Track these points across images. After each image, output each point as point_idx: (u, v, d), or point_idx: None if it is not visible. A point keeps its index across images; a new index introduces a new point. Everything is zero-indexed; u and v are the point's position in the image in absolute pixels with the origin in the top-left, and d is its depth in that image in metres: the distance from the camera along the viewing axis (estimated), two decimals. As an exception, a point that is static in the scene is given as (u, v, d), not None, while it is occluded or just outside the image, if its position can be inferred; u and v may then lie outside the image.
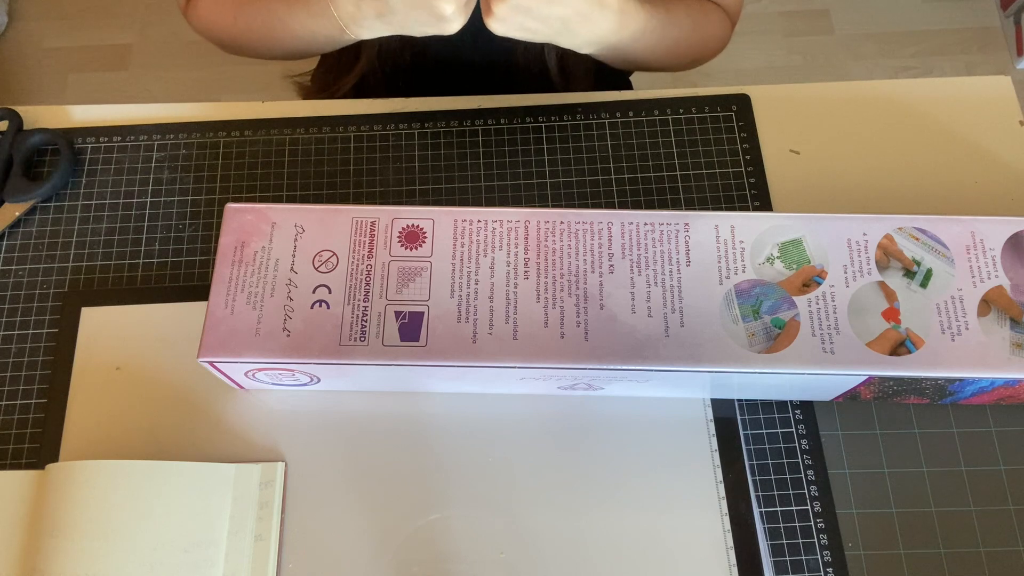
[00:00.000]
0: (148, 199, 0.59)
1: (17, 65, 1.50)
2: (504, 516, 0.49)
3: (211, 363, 0.46)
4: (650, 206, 0.58)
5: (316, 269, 0.47)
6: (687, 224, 0.48)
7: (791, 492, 0.50)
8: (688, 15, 0.61)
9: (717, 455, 0.51)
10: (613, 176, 0.59)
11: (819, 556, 0.48)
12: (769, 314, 0.46)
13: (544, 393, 0.52)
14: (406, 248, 0.48)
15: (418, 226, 0.48)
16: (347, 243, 0.48)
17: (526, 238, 0.48)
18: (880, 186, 0.58)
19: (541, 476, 0.50)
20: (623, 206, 0.58)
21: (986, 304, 0.46)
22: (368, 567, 0.48)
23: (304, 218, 0.49)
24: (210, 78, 1.48)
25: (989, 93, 0.61)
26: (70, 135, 0.60)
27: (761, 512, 0.49)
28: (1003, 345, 0.45)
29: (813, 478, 0.50)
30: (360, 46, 0.66)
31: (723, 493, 0.50)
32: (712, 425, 0.51)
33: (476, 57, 0.68)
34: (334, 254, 0.48)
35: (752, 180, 0.59)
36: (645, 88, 0.63)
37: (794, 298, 0.46)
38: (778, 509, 0.49)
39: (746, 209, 0.58)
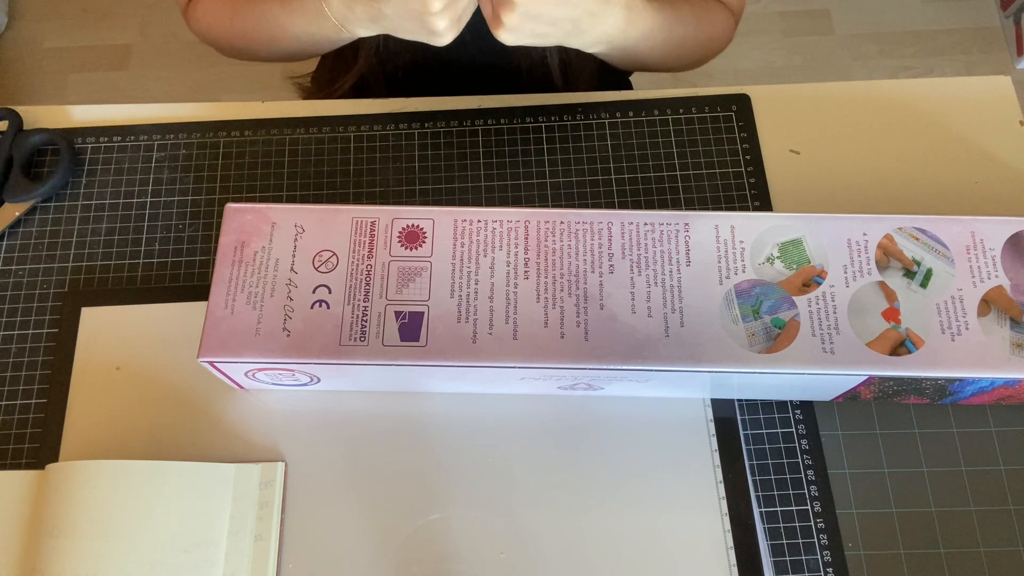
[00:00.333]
0: (148, 199, 0.59)
1: (17, 65, 1.50)
2: (504, 516, 0.49)
3: (211, 363, 0.46)
4: (650, 206, 0.58)
5: (316, 269, 0.47)
6: (687, 224, 0.48)
7: (791, 492, 0.50)
8: (693, 13, 0.61)
9: (717, 455, 0.51)
10: (613, 176, 0.59)
11: (819, 556, 0.48)
12: (769, 314, 0.46)
13: (544, 393, 0.52)
14: (406, 248, 0.48)
15: (418, 226, 0.48)
16: (347, 243, 0.48)
17: (526, 238, 0.48)
18: (880, 186, 0.58)
19: (541, 476, 0.50)
20: (623, 206, 0.58)
21: (986, 304, 0.46)
22: (368, 567, 0.48)
23: (304, 218, 0.49)
24: (210, 78, 1.48)
25: (989, 93, 0.61)
26: (70, 135, 0.60)
27: (761, 512, 0.49)
28: (1003, 345, 0.45)
29: (813, 478, 0.50)
30: (359, 47, 0.66)
31: (723, 493, 0.50)
32: (712, 425, 0.51)
33: (477, 57, 0.68)
34: (334, 254, 0.48)
35: (752, 180, 0.59)
36: (645, 88, 0.63)
37: (794, 298, 0.46)
38: (778, 509, 0.49)
39: (746, 209, 0.58)
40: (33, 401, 0.53)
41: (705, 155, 0.59)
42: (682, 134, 0.60)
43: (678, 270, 0.47)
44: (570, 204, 0.58)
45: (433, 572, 0.48)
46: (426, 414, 0.52)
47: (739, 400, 0.52)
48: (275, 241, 0.48)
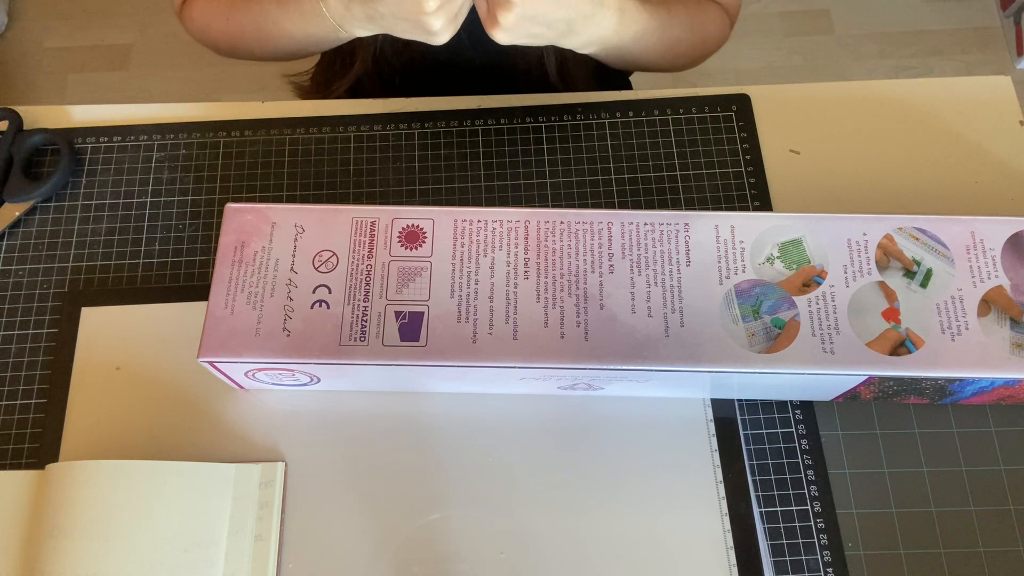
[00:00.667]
0: (148, 199, 0.59)
1: (17, 65, 1.50)
2: (504, 516, 0.49)
3: (211, 363, 0.46)
4: (650, 206, 0.58)
5: (316, 269, 0.47)
6: (687, 224, 0.48)
7: (791, 492, 0.50)
8: (687, 14, 0.61)
9: (717, 455, 0.51)
10: (613, 176, 0.59)
11: (819, 556, 0.48)
12: (769, 314, 0.46)
13: (544, 393, 0.52)
14: (406, 248, 0.48)
15: (418, 226, 0.48)
16: (347, 243, 0.48)
17: (526, 238, 0.48)
18: (880, 186, 0.58)
19: (541, 476, 0.50)
20: (623, 206, 0.58)
21: (986, 304, 0.46)
22: (368, 567, 0.48)
23: (304, 218, 0.49)
24: (210, 78, 1.48)
25: (989, 93, 0.61)
26: (70, 135, 0.60)
27: (761, 512, 0.49)
28: (1003, 345, 0.45)
29: (813, 478, 0.50)
30: (356, 48, 0.66)
31: (723, 493, 0.50)
32: (712, 425, 0.51)
33: (474, 58, 0.68)
34: (334, 254, 0.48)
35: (752, 180, 0.59)
36: (645, 88, 0.63)
37: (794, 298, 0.46)
38: (778, 509, 0.49)
39: (746, 209, 0.58)
40: (33, 401, 0.53)
41: (705, 155, 0.59)
42: (682, 134, 0.60)
43: (678, 270, 0.47)
44: (570, 204, 0.58)
45: (433, 572, 0.48)
46: (426, 414, 0.52)
47: (739, 400, 0.52)
48: (275, 241, 0.48)
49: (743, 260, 0.47)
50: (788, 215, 0.48)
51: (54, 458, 0.51)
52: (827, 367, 0.45)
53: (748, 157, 0.59)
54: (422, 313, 0.46)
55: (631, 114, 0.61)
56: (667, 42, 0.59)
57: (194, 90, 1.46)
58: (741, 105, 0.61)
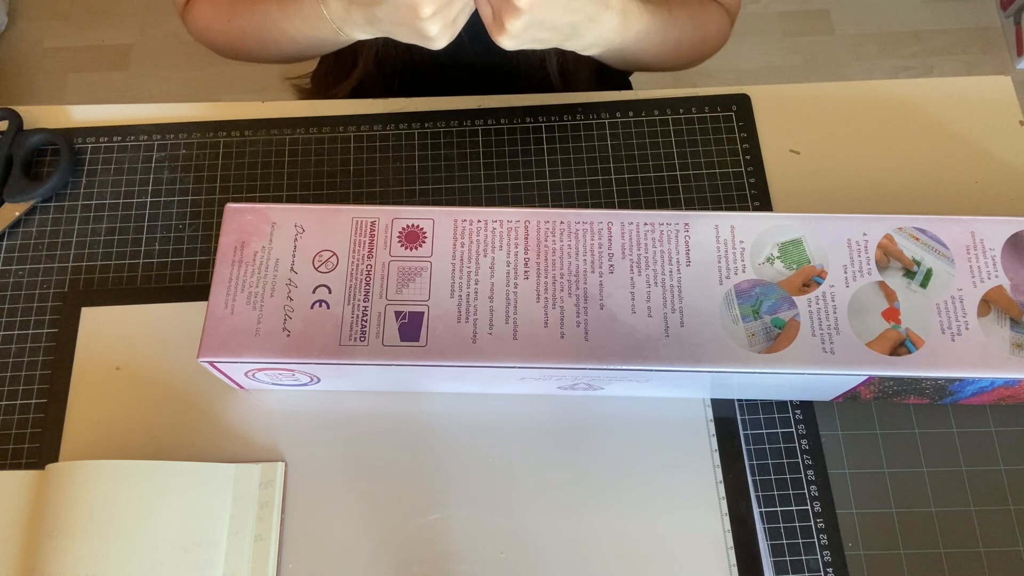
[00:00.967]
0: (148, 199, 0.59)
1: (17, 65, 1.50)
2: (504, 516, 0.49)
3: (211, 363, 0.46)
4: (650, 206, 0.58)
5: (316, 269, 0.47)
6: (687, 224, 0.48)
7: (791, 492, 0.50)
8: (689, 14, 0.61)
9: (717, 455, 0.51)
10: (613, 176, 0.59)
11: (819, 556, 0.48)
12: (769, 314, 0.46)
13: (544, 393, 0.52)
14: (406, 248, 0.48)
15: (418, 226, 0.48)
16: (347, 243, 0.48)
17: (526, 238, 0.48)
18: (880, 186, 0.58)
19: (541, 476, 0.50)
20: (623, 206, 0.58)
21: (986, 304, 0.46)
22: (368, 567, 0.48)
23: (304, 218, 0.49)
24: (210, 78, 1.48)
25: (989, 93, 0.61)
26: (70, 135, 0.60)
27: (761, 512, 0.49)
28: (1003, 345, 0.45)
29: (813, 478, 0.50)
30: (358, 51, 0.66)
31: (723, 493, 0.50)
32: (712, 425, 0.51)
33: (475, 59, 0.68)
34: (334, 254, 0.48)
35: (752, 180, 0.59)
36: (645, 88, 0.63)
37: (794, 298, 0.46)
38: (778, 509, 0.49)
39: (746, 209, 0.58)
40: (33, 401, 0.53)
41: (705, 155, 0.59)
42: (682, 134, 0.60)
43: (678, 270, 0.47)
44: (570, 204, 0.58)
45: (433, 572, 0.48)
46: (426, 414, 0.52)
47: (739, 400, 0.52)
48: (275, 241, 0.48)
49: (743, 260, 0.47)
50: (788, 215, 0.48)
51: (54, 458, 0.51)
52: (827, 367, 0.45)
53: (748, 157, 0.59)
54: (422, 313, 0.46)
55: (631, 114, 0.61)
56: (669, 42, 0.60)
57: (194, 90, 1.46)
58: (741, 105, 0.61)
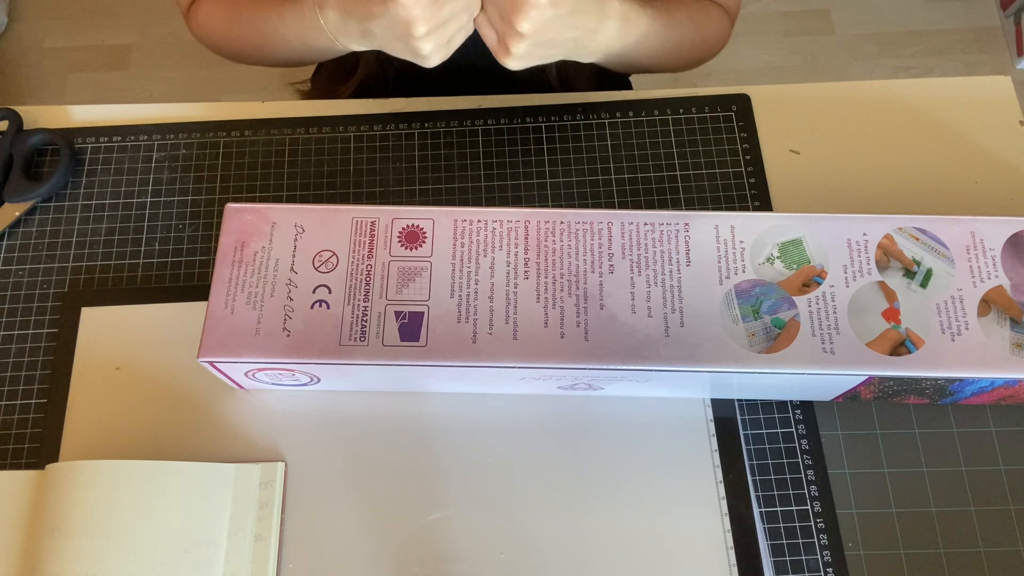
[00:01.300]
0: (148, 199, 0.59)
1: (17, 65, 1.50)
2: (504, 516, 0.49)
3: (211, 363, 0.46)
4: (650, 206, 0.58)
5: (316, 269, 0.47)
6: (687, 224, 0.48)
7: (791, 492, 0.50)
8: (688, 16, 0.61)
9: (717, 455, 0.51)
10: (613, 176, 0.59)
11: (819, 556, 0.48)
12: (769, 314, 0.46)
13: (544, 393, 0.52)
14: (406, 248, 0.48)
15: (418, 226, 0.48)
16: (347, 243, 0.48)
17: (526, 238, 0.48)
18: (880, 186, 0.58)
19: (541, 476, 0.50)
20: (623, 206, 0.58)
21: (986, 304, 0.46)
22: (368, 567, 0.48)
23: (304, 218, 0.49)
24: (210, 78, 1.48)
25: (989, 93, 0.61)
26: (70, 135, 0.60)
27: (761, 512, 0.49)
28: (1003, 345, 0.45)
29: (813, 478, 0.50)
30: (359, 56, 0.66)
31: (723, 493, 0.50)
32: (712, 425, 0.51)
33: (477, 62, 0.69)
34: (334, 254, 0.48)
35: (752, 180, 0.59)
36: (645, 88, 0.63)
37: (794, 298, 0.46)
38: (778, 509, 0.49)
39: (746, 209, 0.58)
40: (33, 401, 0.53)
41: (705, 155, 0.59)
42: (682, 134, 0.60)
43: (678, 270, 0.47)
44: (570, 204, 0.58)
45: (433, 572, 0.48)
46: (426, 414, 0.52)
47: (739, 400, 0.52)
48: (275, 241, 0.48)
49: (743, 260, 0.47)
50: (788, 215, 0.48)
51: (54, 458, 0.51)
52: (827, 367, 0.45)
53: (748, 157, 0.59)
54: (422, 313, 0.46)
55: (631, 114, 0.61)
56: (669, 44, 0.60)
57: (194, 90, 1.46)
58: (741, 105, 0.61)
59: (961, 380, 0.46)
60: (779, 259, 0.47)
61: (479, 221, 0.48)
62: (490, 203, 0.58)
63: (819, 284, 0.47)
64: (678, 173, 0.59)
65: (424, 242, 0.48)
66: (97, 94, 1.46)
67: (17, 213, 0.58)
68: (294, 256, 0.48)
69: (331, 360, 0.45)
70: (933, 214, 0.51)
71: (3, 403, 0.53)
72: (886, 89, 0.62)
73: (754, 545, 0.48)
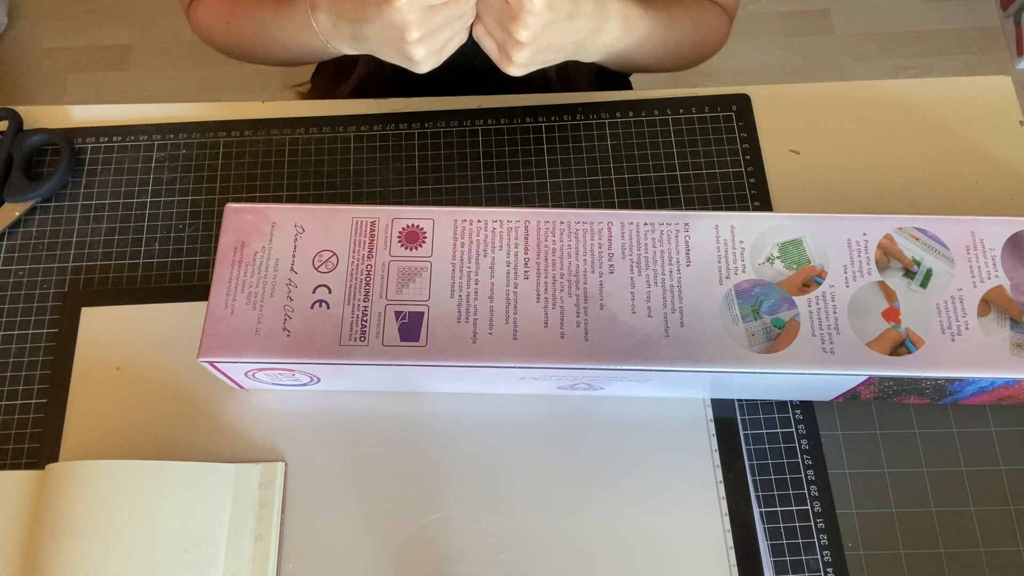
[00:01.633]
0: (148, 199, 0.59)
1: (17, 65, 1.50)
2: (504, 516, 0.49)
3: (211, 363, 0.46)
4: (650, 206, 0.58)
5: (316, 269, 0.47)
6: (687, 224, 0.48)
7: (791, 492, 0.50)
8: (688, 15, 0.61)
9: (717, 455, 0.51)
10: (613, 176, 0.59)
11: (819, 556, 0.48)
12: (769, 314, 0.46)
13: (544, 393, 0.52)
14: (406, 248, 0.48)
15: (418, 226, 0.48)
16: (347, 243, 0.48)
17: (526, 238, 0.48)
18: (880, 186, 0.58)
19: (541, 476, 0.50)
20: (623, 206, 0.58)
21: (986, 304, 0.46)
22: (368, 567, 0.48)
23: (304, 218, 0.49)
24: (210, 78, 1.48)
25: (989, 93, 0.61)
26: (70, 135, 0.60)
27: (761, 512, 0.49)
28: (1003, 345, 0.45)
29: (813, 478, 0.50)
30: (357, 55, 0.66)
31: (723, 493, 0.50)
32: (712, 425, 0.51)
33: (477, 62, 0.69)
34: (334, 254, 0.48)
35: (752, 180, 0.59)
36: (645, 88, 0.63)
37: (794, 298, 0.46)
38: (778, 509, 0.49)
39: (746, 209, 0.58)
40: (33, 401, 0.53)
41: (705, 155, 0.59)
42: (682, 134, 0.60)
43: (678, 270, 0.47)
44: (570, 204, 0.58)
45: (433, 572, 0.48)
46: (426, 414, 0.52)
47: (739, 400, 0.52)
48: (275, 241, 0.48)
49: (743, 260, 0.47)
50: (788, 215, 0.48)
51: (54, 458, 0.51)
52: (827, 367, 0.45)
53: (748, 157, 0.59)
54: (422, 313, 0.46)
55: (631, 114, 0.61)
56: (670, 44, 0.60)
57: (194, 90, 1.46)
58: (741, 105, 0.61)
59: (961, 380, 0.46)
60: (779, 259, 0.47)
61: (479, 221, 0.48)
62: (490, 203, 0.58)
63: (819, 284, 0.47)
64: (678, 173, 0.59)
65: (424, 242, 0.48)
66: (97, 94, 1.46)
67: (17, 213, 0.58)
68: (294, 256, 0.48)
69: (331, 360, 0.45)
70: (933, 214, 0.51)
71: (3, 403, 0.53)
72: (886, 89, 0.62)
73: (754, 545, 0.48)
